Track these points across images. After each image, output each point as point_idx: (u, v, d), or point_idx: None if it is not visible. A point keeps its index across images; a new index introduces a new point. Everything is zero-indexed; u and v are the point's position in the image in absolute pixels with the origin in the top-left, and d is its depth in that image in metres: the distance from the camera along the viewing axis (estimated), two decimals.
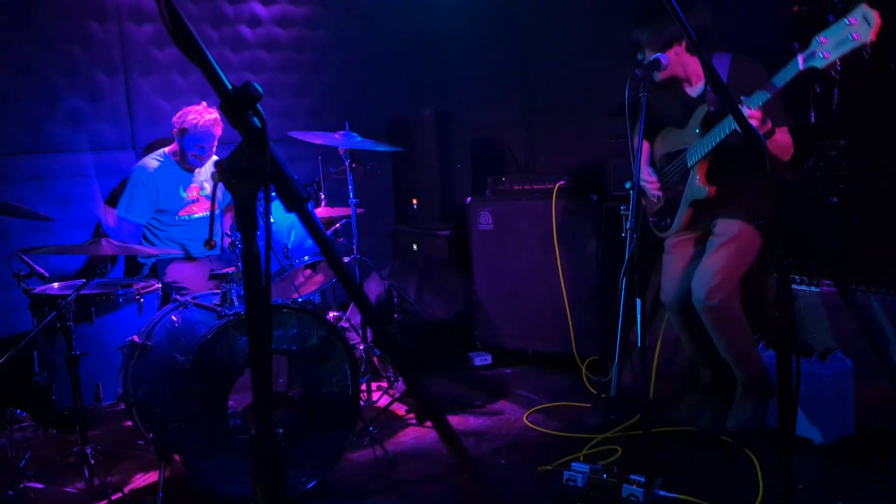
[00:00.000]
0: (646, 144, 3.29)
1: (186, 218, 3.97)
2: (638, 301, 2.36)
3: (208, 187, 4.05)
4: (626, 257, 2.33)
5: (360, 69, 5.19)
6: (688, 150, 2.88)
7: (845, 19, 2.07)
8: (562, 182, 4.38)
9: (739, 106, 2.47)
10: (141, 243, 3.88)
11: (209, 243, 1.22)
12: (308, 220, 0.91)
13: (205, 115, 3.80)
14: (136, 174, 3.88)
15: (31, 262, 3.25)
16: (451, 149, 5.19)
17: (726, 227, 3.00)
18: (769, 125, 2.55)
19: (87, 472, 2.97)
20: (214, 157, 4.05)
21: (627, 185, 2.44)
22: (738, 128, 2.51)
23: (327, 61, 5.09)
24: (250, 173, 0.89)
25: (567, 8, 5.17)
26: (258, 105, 0.90)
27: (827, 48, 2.14)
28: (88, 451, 3.00)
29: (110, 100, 4.29)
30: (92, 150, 4.25)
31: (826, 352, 3.29)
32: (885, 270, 3.53)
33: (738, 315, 3.06)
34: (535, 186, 4.51)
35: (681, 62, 2.87)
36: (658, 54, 2.56)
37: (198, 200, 4.00)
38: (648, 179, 3.12)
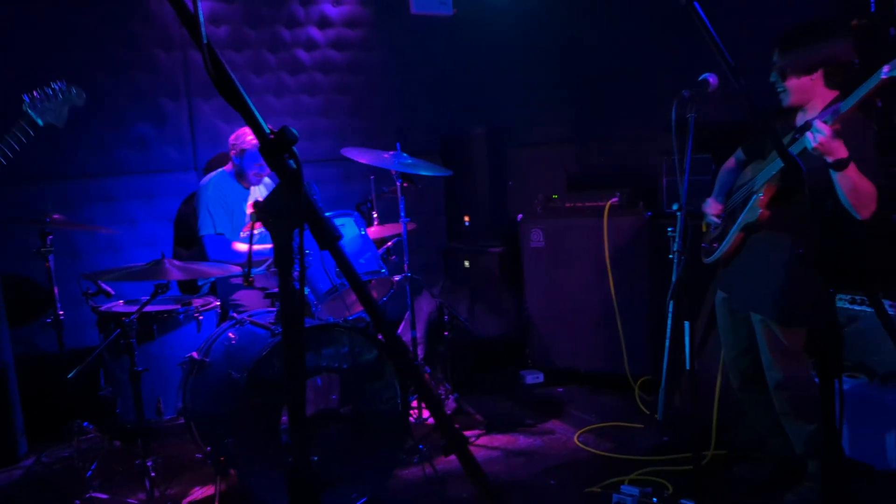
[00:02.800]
0: (730, 162, 3.18)
1: (246, 237, 4.07)
2: (686, 324, 2.34)
3: None
4: (674, 280, 2.31)
5: (413, 89, 5.27)
6: (759, 174, 2.74)
7: None
8: (614, 199, 4.35)
9: (817, 120, 2.37)
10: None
11: (247, 280, 1.28)
12: (339, 258, 0.95)
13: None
14: (204, 192, 3.99)
15: (98, 281, 3.41)
16: (503, 166, 5.21)
17: None
18: (840, 152, 2.34)
19: (147, 483, 3.09)
20: (267, 180, 4.18)
21: (675, 207, 2.41)
22: (810, 148, 2.36)
23: (381, 82, 5.18)
24: (286, 213, 0.93)
25: (620, 22, 5.15)
26: (294, 148, 0.95)
27: None
28: (149, 463, 3.12)
29: (174, 123, 4.47)
30: (157, 171, 4.43)
31: (888, 375, 3.18)
32: None
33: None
34: (587, 204, 4.49)
35: (812, 88, 2.65)
36: (707, 74, 2.52)
37: None
38: (712, 211, 2.99)
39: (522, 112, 5.51)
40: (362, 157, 3.92)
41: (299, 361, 0.95)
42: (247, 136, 3.94)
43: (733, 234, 2.77)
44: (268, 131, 0.94)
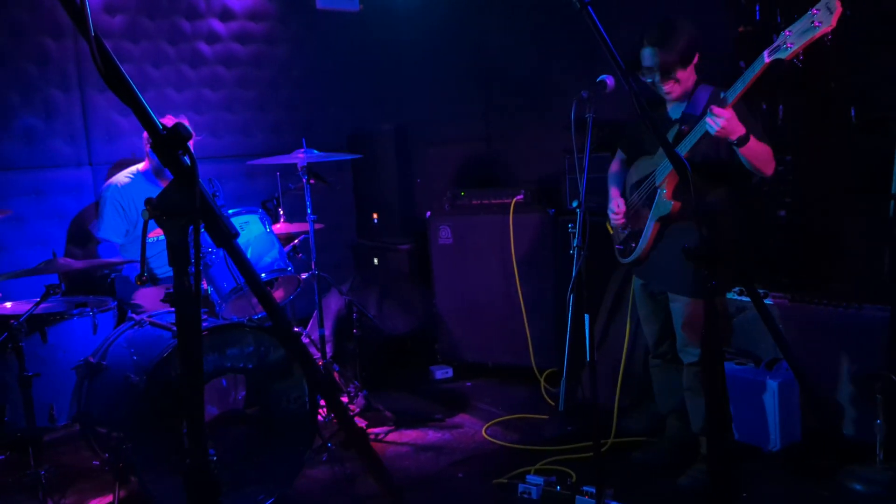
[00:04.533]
0: (615, 164, 3.29)
1: (154, 240, 3.94)
2: (586, 317, 2.43)
3: None
4: (574, 274, 2.39)
5: (320, 85, 5.22)
6: (656, 170, 2.88)
7: (809, 11, 2.14)
8: (519, 196, 4.45)
9: (713, 106, 2.52)
10: None
11: (140, 279, 1.24)
12: (236, 256, 0.94)
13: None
14: (105, 192, 3.90)
15: None
16: (411, 163, 5.24)
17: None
18: (740, 130, 2.55)
19: (41, 494, 2.95)
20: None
21: (574, 205, 2.50)
22: (709, 135, 2.54)
23: (286, 77, 5.10)
24: (181, 210, 0.92)
25: (526, 22, 5.26)
26: (188, 144, 0.93)
27: (791, 39, 2.20)
28: (42, 473, 2.97)
29: (65, 116, 4.26)
30: (47, 167, 4.21)
31: (773, 362, 3.40)
32: (830, 282, 3.66)
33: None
34: (494, 201, 4.57)
35: (690, 80, 2.83)
36: (604, 76, 2.62)
37: None
38: (616, 210, 3.10)
39: (430, 109, 5.54)
40: (272, 162, 3.88)
41: (196, 360, 0.94)
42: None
43: (650, 230, 2.87)
44: (161, 128, 0.92)
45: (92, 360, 3.12)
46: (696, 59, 2.82)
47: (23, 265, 3.89)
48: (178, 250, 0.92)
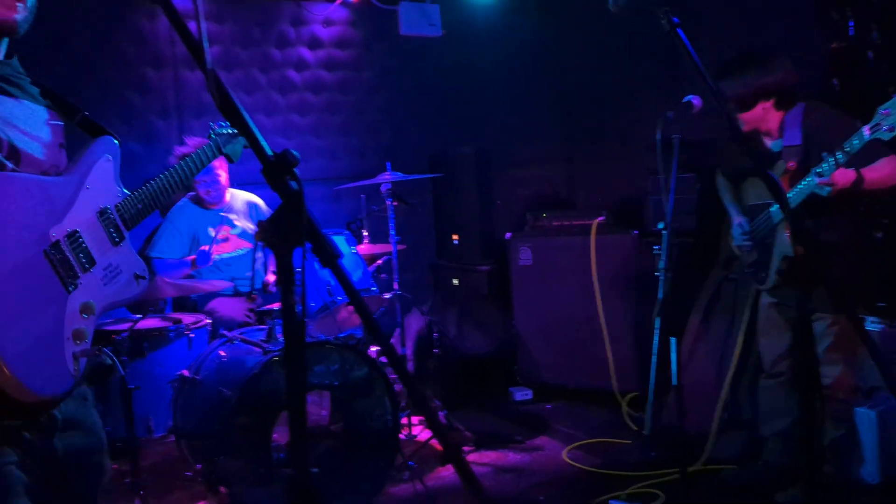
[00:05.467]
0: (721, 184, 3.25)
1: (218, 258, 4.09)
2: (673, 340, 2.38)
3: (240, 226, 4.19)
4: (660, 297, 2.36)
5: (402, 109, 5.34)
6: (772, 208, 2.84)
7: None
8: (601, 218, 4.42)
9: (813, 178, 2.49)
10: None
11: (251, 297, 1.31)
12: (339, 275, 0.99)
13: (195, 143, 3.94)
14: (170, 213, 4.15)
15: None
16: (492, 185, 5.28)
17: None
18: (851, 176, 2.51)
19: (138, 501, 3.08)
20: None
21: (660, 226, 2.47)
22: (817, 191, 2.50)
23: (371, 102, 5.25)
24: (289, 233, 0.97)
25: (606, 43, 5.23)
26: (295, 170, 0.99)
27: (889, 121, 2.21)
28: (139, 481, 3.11)
29: (164, 142, 4.50)
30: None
31: (871, 390, 3.24)
32: None
33: None
34: (574, 222, 4.55)
35: (765, 117, 2.81)
36: (691, 97, 2.59)
37: (228, 240, 4.13)
38: (741, 233, 3.03)
39: (510, 131, 5.58)
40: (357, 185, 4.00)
41: (300, 375, 0.98)
42: (184, 150, 3.91)
43: (776, 264, 2.81)
44: (270, 154, 0.98)
45: (187, 374, 3.26)
46: (771, 101, 2.76)
47: None
48: (286, 271, 0.97)
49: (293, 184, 0.98)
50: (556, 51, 5.65)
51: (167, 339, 3.53)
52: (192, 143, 3.84)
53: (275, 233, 0.97)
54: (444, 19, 5.17)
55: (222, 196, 4.17)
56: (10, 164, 1.59)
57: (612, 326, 4.33)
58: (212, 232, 4.07)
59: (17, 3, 1.60)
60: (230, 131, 2.39)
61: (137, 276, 1.88)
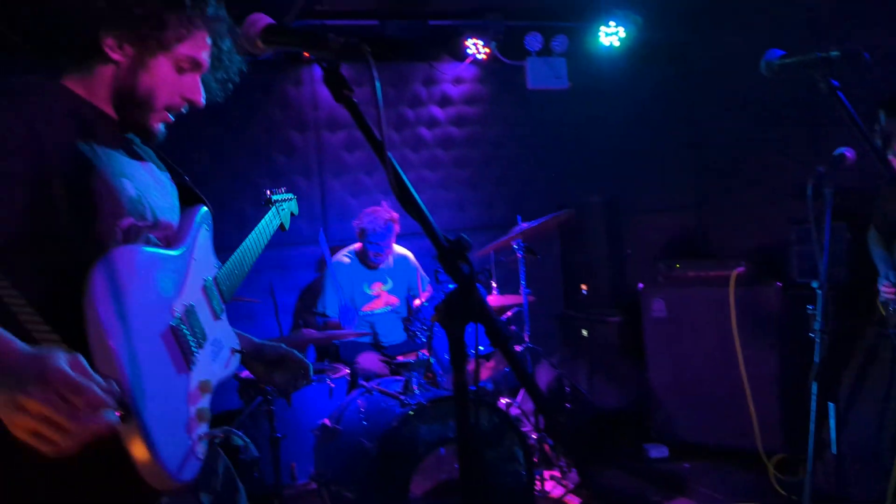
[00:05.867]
0: (872, 236, 3.08)
1: (368, 314, 4.27)
2: (831, 406, 2.25)
3: (391, 281, 4.36)
4: (816, 361, 2.24)
5: (529, 160, 5.41)
6: None
7: None
8: (740, 269, 4.25)
9: None
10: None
11: (428, 376, 1.37)
12: (510, 357, 1.03)
13: (380, 218, 4.13)
14: (331, 269, 4.27)
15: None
16: (621, 234, 5.21)
17: None
18: None
19: None
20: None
21: (814, 285, 2.35)
22: None
23: (498, 154, 5.35)
24: (461, 313, 1.02)
25: (742, 86, 5.10)
26: (467, 254, 1.04)
27: None
28: None
29: (307, 199, 4.78)
30: (291, 244, 4.73)
31: None
32: None
33: None
34: (711, 273, 4.41)
35: None
36: (843, 149, 2.48)
37: (379, 296, 4.30)
38: (886, 290, 2.88)
39: (639, 179, 5.52)
40: (491, 246, 4.07)
41: (472, 446, 1.02)
42: (365, 218, 4.15)
43: None
44: (444, 241, 1.04)
45: (328, 423, 3.39)
46: None
47: (270, 334, 4.36)
48: (458, 349, 1.02)
49: (465, 267, 1.03)
50: (685, 97, 5.58)
51: (310, 388, 3.69)
52: (374, 211, 4.12)
53: (447, 313, 1.02)
54: (571, 71, 5.23)
55: (387, 260, 4.35)
56: (154, 238, 1.57)
57: (755, 383, 4.13)
58: (367, 289, 4.27)
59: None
60: (286, 197, 2.44)
61: (234, 351, 1.78)
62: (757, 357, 4.13)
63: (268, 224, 2.18)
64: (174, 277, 1.57)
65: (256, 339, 1.98)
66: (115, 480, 1.33)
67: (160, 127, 1.59)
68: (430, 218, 1.07)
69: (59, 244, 1.36)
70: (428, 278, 4.56)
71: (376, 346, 4.34)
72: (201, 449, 1.52)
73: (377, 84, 1.08)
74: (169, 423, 1.43)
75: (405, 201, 1.07)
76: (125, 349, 1.32)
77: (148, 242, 1.53)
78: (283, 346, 2.00)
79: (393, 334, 4.35)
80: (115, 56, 1.48)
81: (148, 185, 1.58)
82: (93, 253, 1.34)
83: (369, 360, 4.14)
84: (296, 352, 1.98)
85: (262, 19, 1.26)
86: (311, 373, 1.99)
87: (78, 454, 1.15)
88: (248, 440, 2.67)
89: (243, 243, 1.95)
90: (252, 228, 2.08)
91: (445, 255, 1.04)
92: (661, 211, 5.54)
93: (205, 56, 1.58)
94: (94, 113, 1.51)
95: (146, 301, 1.45)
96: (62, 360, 1.14)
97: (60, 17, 1.47)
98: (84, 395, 1.12)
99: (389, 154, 1.05)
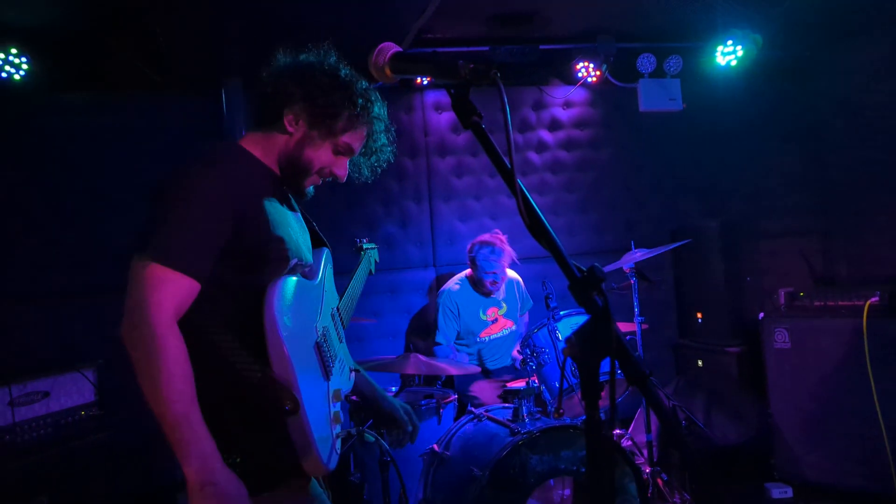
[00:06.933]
0: None
1: (486, 339, 4.28)
2: None
3: (505, 305, 4.35)
4: None
5: (642, 183, 5.27)
6: None
7: None
8: (874, 298, 3.96)
9: None
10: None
11: (558, 412, 1.33)
12: (648, 394, 0.98)
13: (493, 248, 4.12)
14: (443, 299, 4.31)
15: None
16: (739, 260, 4.98)
17: None
18: None
19: None
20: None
21: None
22: None
23: (609, 178, 5.25)
24: (595, 347, 0.99)
25: (870, 102, 4.80)
26: (601, 285, 1.01)
27: None
28: None
29: (416, 224, 4.84)
30: (401, 269, 4.80)
31: None
32: None
33: None
34: (841, 303, 4.13)
35: None
36: None
37: (496, 321, 4.29)
38: None
39: (758, 203, 5.27)
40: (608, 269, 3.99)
41: (607, 483, 0.98)
42: (478, 249, 4.14)
43: None
44: (577, 272, 1.01)
45: (437, 449, 3.38)
46: None
47: (377, 354, 4.43)
48: (590, 382, 0.98)
49: (598, 299, 1.00)
50: (808, 116, 5.30)
51: (419, 413, 3.70)
52: (488, 242, 4.16)
53: (582, 346, 0.99)
54: (685, 92, 5.07)
55: (495, 292, 4.35)
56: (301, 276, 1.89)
57: (892, 422, 3.81)
58: (482, 315, 4.29)
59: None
60: (371, 246, 2.87)
61: (351, 370, 2.11)
62: (894, 394, 3.82)
63: (363, 268, 2.63)
64: (316, 303, 1.92)
65: (377, 386, 2.30)
66: (280, 469, 1.68)
67: (310, 189, 1.93)
68: (561, 246, 1.04)
69: (245, 281, 1.68)
70: (531, 302, 4.52)
71: (485, 372, 4.33)
72: (339, 444, 1.84)
73: (507, 108, 1.07)
74: (320, 419, 1.75)
75: (535, 229, 1.05)
76: (294, 356, 1.64)
77: (299, 275, 1.84)
78: (396, 402, 2.30)
79: (501, 358, 4.33)
80: (291, 129, 1.83)
81: (298, 232, 1.92)
82: (266, 286, 1.67)
83: (483, 390, 4.12)
84: (403, 412, 2.29)
85: (391, 48, 1.29)
86: (416, 435, 2.32)
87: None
88: (378, 437, 2.80)
89: (352, 281, 2.38)
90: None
91: (578, 285, 1.01)
92: (783, 235, 5.26)
93: (359, 146, 1.92)
94: (266, 172, 1.85)
95: (303, 320, 1.79)
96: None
97: (261, 88, 1.85)
98: None
99: (519, 181, 1.03)
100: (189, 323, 1.58)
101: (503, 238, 4.18)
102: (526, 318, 4.56)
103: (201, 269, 1.59)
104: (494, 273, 4.16)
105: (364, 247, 2.85)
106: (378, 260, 2.97)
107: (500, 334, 4.32)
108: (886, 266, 4.56)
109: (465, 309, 4.29)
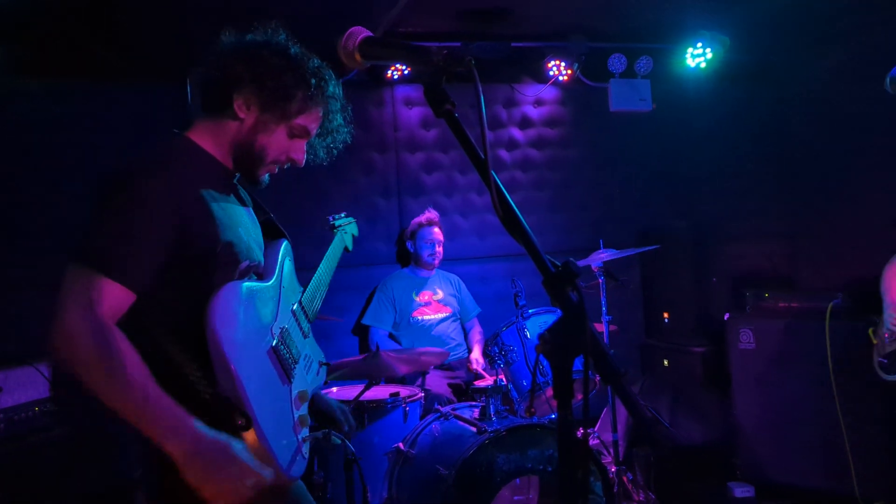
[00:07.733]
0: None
1: (420, 320, 4.34)
2: None
3: (440, 292, 4.51)
4: None
5: (611, 184, 5.28)
6: None
7: None
8: (836, 301, 4.01)
9: None
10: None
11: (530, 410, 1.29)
12: (621, 393, 0.95)
13: (426, 215, 4.44)
14: (379, 286, 4.51)
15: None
16: (706, 261, 5.02)
17: None
18: None
19: None
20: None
21: None
22: None
23: (579, 178, 5.25)
24: (569, 344, 0.95)
25: (837, 108, 4.86)
26: (576, 281, 0.97)
27: None
28: None
29: (385, 220, 4.78)
30: (368, 265, 4.74)
31: None
32: None
33: None
34: (805, 304, 4.18)
35: None
36: None
37: (430, 304, 4.38)
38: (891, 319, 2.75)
39: (725, 204, 5.31)
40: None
41: (574, 488, 0.95)
42: (416, 220, 4.43)
43: None
44: (552, 267, 0.98)
45: (402, 447, 3.34)
46: None
47: (344, 353, 4.36)
48: (565, 383, 0.94)
49: (573, 295, 0.96)
50: (775, 119, 5.35)
51: (385, 411, 3.64)
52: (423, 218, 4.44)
53: (555, 344, 0.96)
54: (655, 93, 5.08)
55: (436, 263, 4.52)
56: (254, 277, 1.80)
57: (853, 423, 3.86)
58: (415, 296, 4.42)
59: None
60: (347, 220, 2.77)
61: (321, 364, 2.06)
62: (856, 395, 3.87)
63: (335, 249, 2.49)
64: (270, 305, 1.82)
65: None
66: None
67: (265, 177, 1.84)
68: (535, 240, 1.00)
69: (191, 289, 1.60)
70: (478, 308, 4.60)
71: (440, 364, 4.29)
72: (306, 449, 1.77)
73: (481, 96, 1.03)
74: (279, 428, 1.68)
75: (509, 222, 1.01)
76: (242, 369, 1.55)
77: (250, 278, 1.77)
78: (333, 402, 2.34)
79: (455, 345, 4.39)
80: (242, 115, 1.73)
81: (250, 229, 1.83)
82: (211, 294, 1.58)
83: (436, 383, 4.08)
84: (340, 412, 2.32)
85: (361, 32, 1.24)
86: (353, 435, 2.43)
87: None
88: (345, 439, 2.75)
89: (318, 270, 2.23)
90: (326, 246, 2.39)
91: (553, 280, 0.97)
92: (749, 238, 5.31)
93: (314, 127, 1.85)
94: (216, 167, 1.76)
95: (254, 327, 1.70)
96: (241, 451, 1.46)
97: (207, 72, 1.76)
98: (259, 480, 1.46)
99: (493, 173, 0.99)
100: (143, 330, 1.54)
101: (435, 213, 4.51)
102: (477, 326, 4.58)
103: (137, 279, 1.51)
104: (432, 242, 4.40)
105: (337, 224, 2.73)
106: (357, 234, 2.85)
107: (433, 317, 4.43)
108: (849, 269, 4.62)
109: (399, 292, 4.45)
